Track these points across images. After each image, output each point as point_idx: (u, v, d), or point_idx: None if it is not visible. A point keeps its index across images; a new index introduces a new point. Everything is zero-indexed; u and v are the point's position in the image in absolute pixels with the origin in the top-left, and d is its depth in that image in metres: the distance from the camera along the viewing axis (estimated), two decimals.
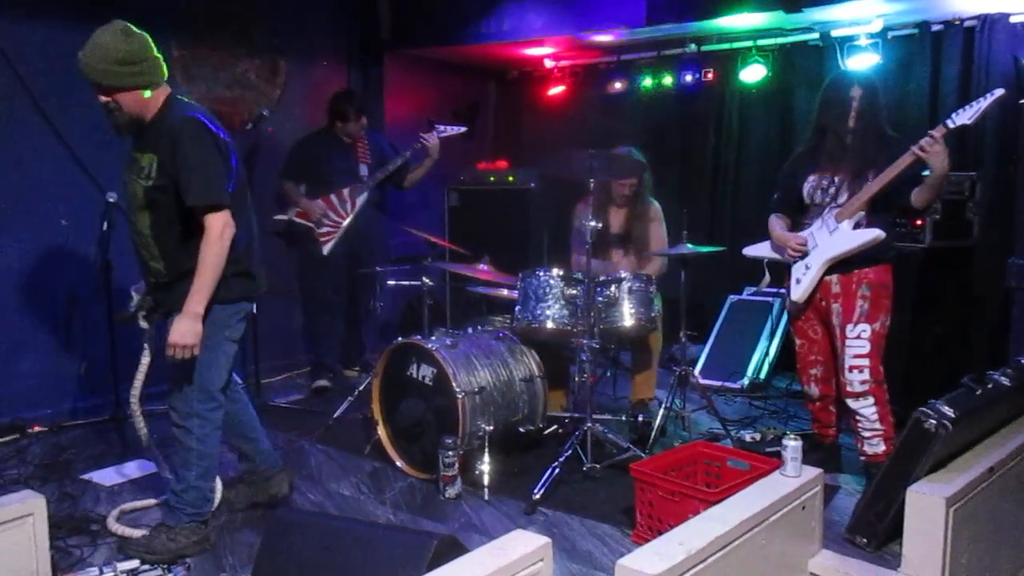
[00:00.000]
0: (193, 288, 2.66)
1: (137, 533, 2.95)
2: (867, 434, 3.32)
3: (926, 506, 2.30)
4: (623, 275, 3.65)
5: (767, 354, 5.04)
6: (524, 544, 1.75)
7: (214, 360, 2.82)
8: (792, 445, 2.21)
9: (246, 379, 4.86)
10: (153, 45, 2.69)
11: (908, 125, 4.65)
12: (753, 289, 5.06)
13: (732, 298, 5.39)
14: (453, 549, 2.01)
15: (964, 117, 3.10)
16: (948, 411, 2.50)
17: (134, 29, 2.65)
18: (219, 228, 2.64)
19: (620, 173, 3.96)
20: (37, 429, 4.14)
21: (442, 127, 4.89)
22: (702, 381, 4.87)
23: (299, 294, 5.26)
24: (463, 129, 4.97)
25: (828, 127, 3.42)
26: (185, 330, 2.66)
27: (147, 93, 2.66)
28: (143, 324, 2.90)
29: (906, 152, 3.15)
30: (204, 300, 2.67)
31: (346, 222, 4.87)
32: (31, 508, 2.32)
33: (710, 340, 5.25)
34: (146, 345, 2.93)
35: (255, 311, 4.42)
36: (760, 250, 3.65)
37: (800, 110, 5.21)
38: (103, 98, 2.64)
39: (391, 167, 4.92)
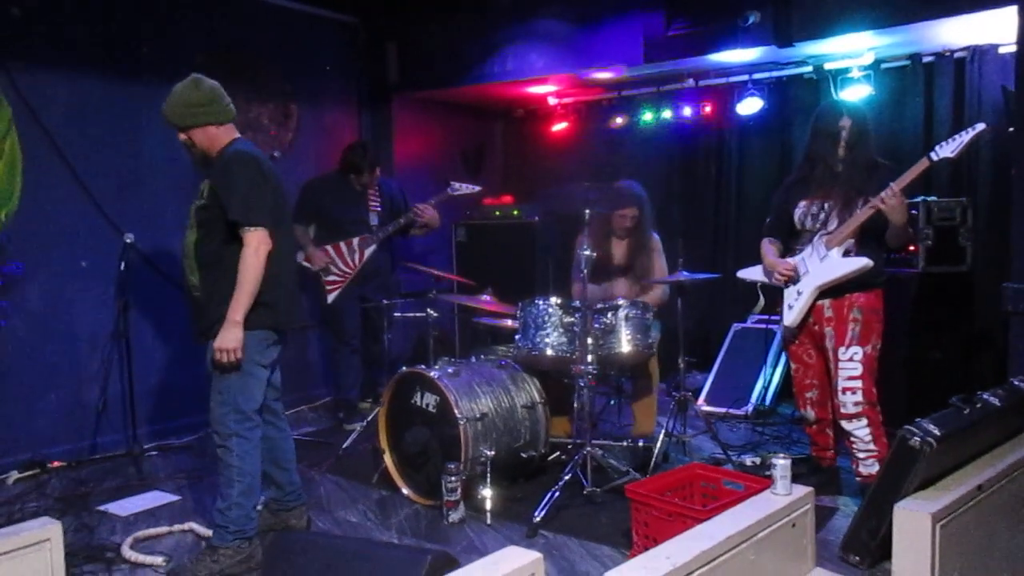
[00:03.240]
0: (233, 298, 2.87)
1: (151, 560, 3.05)
2: (862, 455, 3.38)
3: (912, 522, 2.34)
4: (620, 302, 3.74)
5: (771, 381, 5.09)
6: (516, 559, 1.81)
7: (245, 383, 2.98)
8: (781, 464, 2.25)
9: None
10: (222, 93, 3.06)
11: (903, 155, 4.73)
12: (751, 316, 5.13)
13: (736, 326, 5.46)
14: (447, 565, 2.08)
15: (947, 150, 3.18)
16: (933, 429, 2.55)
17: (204, 79, 3.05)
18: (255, 244, 2.87)
19: (618, 204, 4.07)
20: (57, 464, 4.25)
21: (457, 185, 4.96)
22: (706, 408, 4.96)
23: (322, 334, 5.40)
24: (477, 188, 5.08)
25: (818, 156, 3.52)
26: (227, 336, 2.86)
27: (212, 129, 3.02)
28: None
29: (886, 188, 3.24)
30: (242, 309, 2.87)
31: (354, 273, 4.95)
32: (48, 534, 2.42)
33: (715, 367, 5.31)
34: None
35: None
36: (754, 273, 3.74)
37: (797, 141, 5.32)
38: (181, 136, 3.03)
39: (401, 222, 4.99)
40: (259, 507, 3.30)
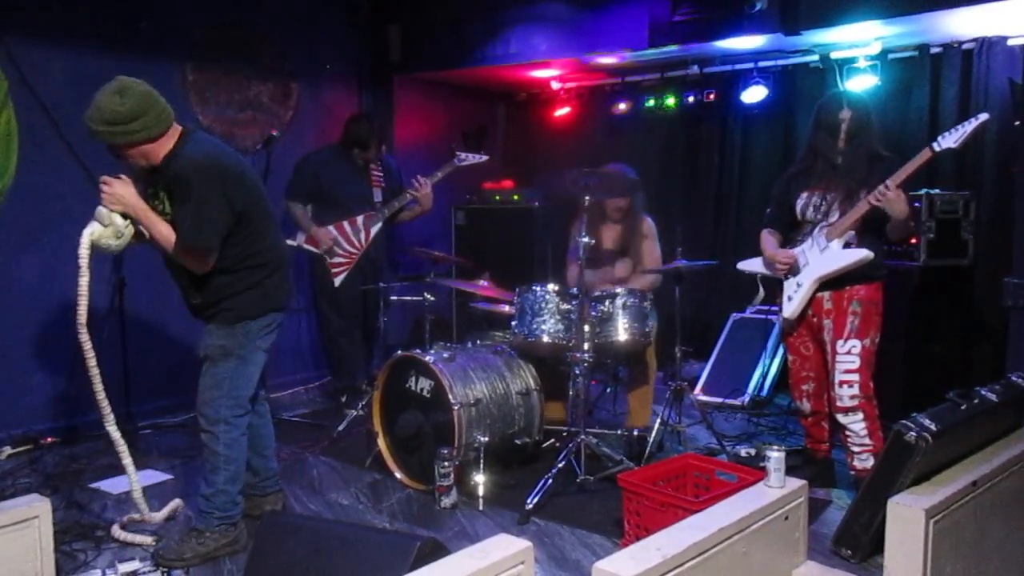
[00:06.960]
0: (152, 217, 2.79)
1: (141, 539, 3.04)
2: (857, 449, 3.36)
3: (906, 517, 2.32)
4: (618, 291, 3.72)
5: (768, 371, 5.08)
6: (505, 547, 1.80)
7: (246, 370, 2.94)
8: (775, 456, 2.23)
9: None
10: (152, 96, 2.72)
11: (908, 146, 4.68)
12: (751, 307, 5.11)
13: (735, 316, 5.44)
14: (436, 551, 2.07)
15: (950, 141, 3.15)
16: (930, 424, 2.53)
17: (131, 85, 2.68)
18: (198, 262, 2.82)
19: (611, 192, 4.00)
20: (50, 441, 4.24)
21: (463, 155, 4.78)
22: (703, 398, 4.94)
23: (316, 317, 5.21)
24: (484, 158, 4.86)
25: (819, 148, 3.48)
26: (125, 190, 2.77)
27: (146, 147, 2.75)
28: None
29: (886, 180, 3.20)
30: (147, 217, 2.79)
31: (360, 253, 4.77)
32: (36, 511, 2.41)
33: (712, 357, 5.29)
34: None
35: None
36: (754, 265, 3.71)
37: (801, 130, 5.25)
38: (114, 155, 2.79)
39: (405, 198, 4.81)
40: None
